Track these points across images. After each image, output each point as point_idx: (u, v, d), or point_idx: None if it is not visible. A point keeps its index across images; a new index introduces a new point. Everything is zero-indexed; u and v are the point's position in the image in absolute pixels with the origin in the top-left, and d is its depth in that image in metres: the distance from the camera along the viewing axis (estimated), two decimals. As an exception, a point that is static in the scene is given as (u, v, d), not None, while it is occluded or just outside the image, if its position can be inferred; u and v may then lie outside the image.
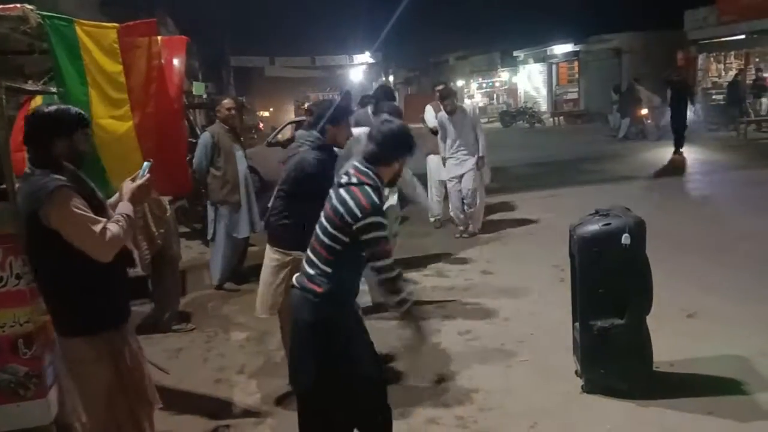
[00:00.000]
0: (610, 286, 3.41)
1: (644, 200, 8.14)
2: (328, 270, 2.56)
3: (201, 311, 5.44)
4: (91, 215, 2.34)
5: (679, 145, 12.98)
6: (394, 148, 2.66)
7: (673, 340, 4.02)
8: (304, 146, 3.60)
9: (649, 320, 3.64)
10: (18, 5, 2.87)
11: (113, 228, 2.36)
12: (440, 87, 7.82)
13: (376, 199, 2.52)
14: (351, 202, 2.49)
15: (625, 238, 3.30)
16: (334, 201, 2.56)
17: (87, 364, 2.47)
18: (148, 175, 2.62)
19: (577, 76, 28.29)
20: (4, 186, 3.05)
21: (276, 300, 3.62)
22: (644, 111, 17.59)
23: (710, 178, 10.46)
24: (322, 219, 2.61)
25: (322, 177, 3.19)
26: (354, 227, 2.48)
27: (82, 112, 2.62)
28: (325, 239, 2.56)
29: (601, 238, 3.39)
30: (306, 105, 9.54)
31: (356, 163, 2.64)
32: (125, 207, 2.51)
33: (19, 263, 2.96)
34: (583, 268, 3.50)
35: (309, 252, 2.65)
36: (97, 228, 2.31)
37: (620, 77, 23.16)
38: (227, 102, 6.10)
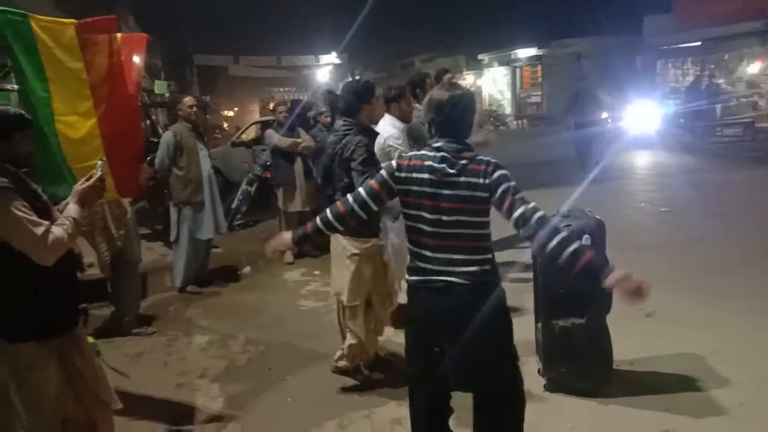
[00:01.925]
0: (571, 286, 3.45)
1: (606, 203, 8.30)
2: (488, 255, 2.42)
3: (162, 314, 5.34)
4: (33, 217, 2.28)
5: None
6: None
7: (632, 340, 4.11)
8: (347, 134, 3.69)
9: (609, 320, 3.71)
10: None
11: (57, 231, 2.30)
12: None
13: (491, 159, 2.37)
14: (477, 166, 2.33)
15: (585, 239, 3.36)
16: (455, 191, 2.33)
17: (35, 369, 2.40)
18: (99, 174, 2.56)
19: (540, 79, 28.73)
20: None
21: (368, 288, 3.73)
22: (604, 115, 17.92)
23: (670, 181, 10.73)
24: (437, 217, 2.35)
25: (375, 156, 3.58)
26: (491, 197, 2.32)
27: (23, 113, 2.54)
28: (465, 231, 2.36)
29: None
30: (271, 105, 9.46)
31: (441, 146, 2.38)
32: (73, 209, 2.45)
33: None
34: (544, 269, 3.55)
35: (437, 254, 2.38)
36: (39, 230, 2.25)
37: (582, 82, 23.62)
38: (188, 100, 6.00)
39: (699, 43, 19.56)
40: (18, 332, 2.40)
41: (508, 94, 31.19)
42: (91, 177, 2.57)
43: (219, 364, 4.30)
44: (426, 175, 2.36)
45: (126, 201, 4.78)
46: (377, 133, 4.02)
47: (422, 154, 2.40)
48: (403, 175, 2.41)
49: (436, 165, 2.35)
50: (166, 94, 17.99)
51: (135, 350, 4.56)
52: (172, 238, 5.88)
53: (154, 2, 24.65)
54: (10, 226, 2.24)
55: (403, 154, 2.47)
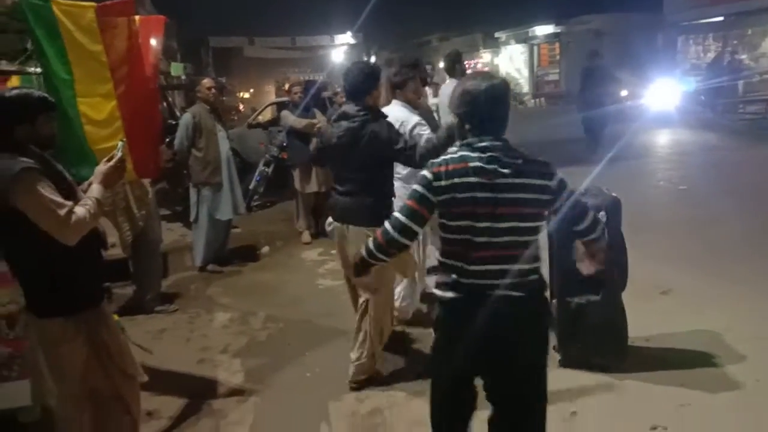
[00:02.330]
0: (586, 263, 3.48)
1: (624, 181, 8.25)
2: (540, 263, 2.26)
3: (184, 293, 5.45)
4: (57, 198, 2.33)
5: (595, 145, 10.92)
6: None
7: (647, 317, 4.13)
8: (356, 122, 3.44)
9: (625, 297, 3.74)
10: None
11: (79, 211, 2.35)
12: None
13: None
14: (533, 167, 2.15)
15: (601, 216, 3.36)
16: (512, 194, 2.11)
17: (63, 343, 2.48)
18: (120, 155, 2.61)
19: (558, 57, 28.37)
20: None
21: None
22: (624, 92, 17.70)
23: (689, 159, 10.61)
24: (489, 225, 2.11)
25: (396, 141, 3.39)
26: (555, 200, 2.18)
27: (47, 95, 2.59)
28: (520, 238, 2.15)
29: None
30: (286, 86, 9.49)
31: (488, 146, 2.13)
32: (95, 190, 2.50)
33: (0, 245, 2.96)
34: (559, 247, 3.57)
35: (488, 266, 2.16)
36: (63, 211, 2.30)
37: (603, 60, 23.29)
38: (207, 81, 6.05)
39: (721, 19, 19.17)
40: (47, 308, 2.48)
41: (525, 73, 30.85)
42: (112, 158, 2.62)
43: (239, 340, 4.41)
44: (473, 179, 2.09)
45: (147, 182, 4.87)
46: (387, 118, 3.69)
47: (462, 156, 2.13)
48: (443, 183, 2.13)
49: (485, 166, 2.09)
50: (183, 76, 18.07)
51: (158, 327, 4.67)
52: (191, 219, 5.98)
53: (170, -17, 24.65)
54: (35, 205, 2.30)
55: (434, 160, 2.20)
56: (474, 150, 2.12)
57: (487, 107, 2.15)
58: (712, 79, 17.34)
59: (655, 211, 7.13)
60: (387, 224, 2.30)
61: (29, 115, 2.44)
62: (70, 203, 2.34)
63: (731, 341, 3.83)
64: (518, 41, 31.03)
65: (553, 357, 3.70)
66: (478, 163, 2.09)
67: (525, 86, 29.96)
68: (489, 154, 2.10)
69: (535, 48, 29.88)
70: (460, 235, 2.16)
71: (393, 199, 3.59)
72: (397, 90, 4.14)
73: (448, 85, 5.31)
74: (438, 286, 2.29)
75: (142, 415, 3.00)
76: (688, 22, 20.57)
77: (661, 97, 16.93)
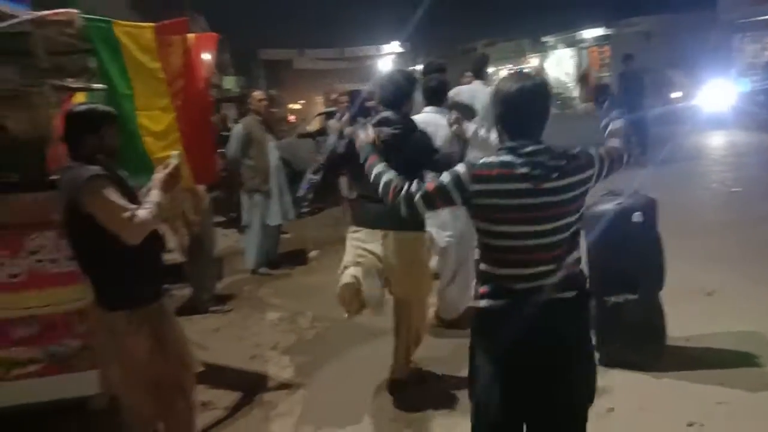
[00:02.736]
0: (623, 263, 3.54)
1: (675, 183, 8.17)
2: (578, 255, 2.18)
3: (237, 294, 5.74)
4: (122, 202, 2.56)
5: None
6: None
7: (690, 317, 4.13)
8: (399, 129, 3.45)
9: (669, 298, 3.78)
10: (64, 10, 3.14)
11: (141, 213, 2.58)
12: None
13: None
14: (575, 164, 2.08)
15: (637, 216, 3.43)
16: (561, 196, 2.04)
17: (129, 335, 2.69)
18: (175, 163, 2.84)
19: (608, 60, 27.89)
20: (57, 176, 3.34)
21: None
22: (677, 94, 17.34)
23: (744, 161, 10.35)
24: (536, 228, 2.05)
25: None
26: (591, 182, 2.14)
27: (109, 109, 2.86)
28: (567, 234, 2.09)
29: (614, 217, 3.52)
30: (333, 96, 9.75)
31: (531, 151, 2.05)
32: (155, 195, 2.72)
33: (71, 245, 3.24)
34: (596, 247, 3.64)
35: (538, 268, 2.08)
36: (127, 213, 2.53)
37: (652, 61, 22.81)
38: (258, 94, 6.38)
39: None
40: (114, 302, 2.72)
41: (574, 77, 30.43)
42: (167, 166, 2.86)
43: (288, 338, 4.63)
44: (521, 186, 2.01)
45: (203, 190, 5.17)
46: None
47: (505, 161, 2.05)
48: (482, 187, 2.05)
49: (532, 172, 2.01)
50: (235, 89, 18.68)
51: (213, 326, 4.94)
52: (243, 224, 6.27)
53: (221, 1, 25.51)
54: (103, 209, 2.53)
55: (476, 162, 2.11)
56: (518, 156, 2.04)
57: (520, 108, 2.09)
58: (769, 77, 16.79)
59: (706, 213, 7.04)
60: (407, 188, 2.20)
61: (96, 127, 2.70)
62: (133, 206, 2.58)
63: (776, 341, 3.80)
64: (567, 45, 30.68)
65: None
66: (524, 170, 2.01)
67: (574, 91, 29.55)
68: (534, 159, 2.02)
69: (584, 51, 29.46)
70: (505, 241, 2.09)
71: None
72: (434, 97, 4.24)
73: (473, 87, 5.35)
74: (481, 296, 2.16)
75: (198, 405, 3.23)
76: (745, 19, 19.95)
77: (716, 98, 16.46)
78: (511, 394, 2.13)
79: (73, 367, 3.41)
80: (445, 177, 2.12)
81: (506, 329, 2.09)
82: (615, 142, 2.31)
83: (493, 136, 3.09)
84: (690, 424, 3.05)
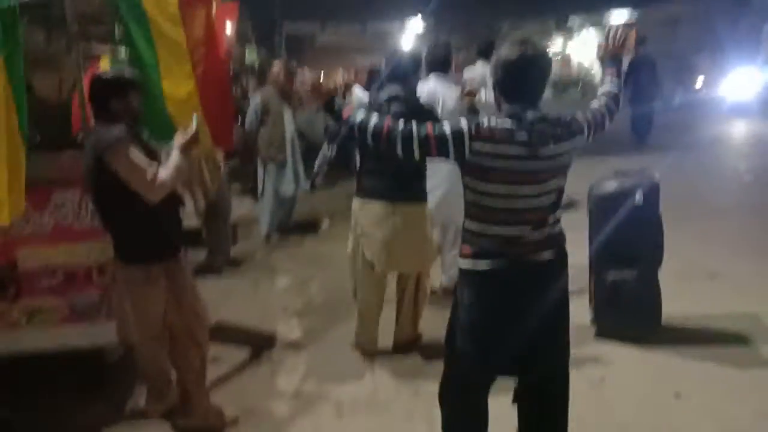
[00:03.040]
0: (624, 241, 3.64)
1: (690, 169, 8.19)
2: (559, 215, 2.28)
3: (250, 259, 5.91)
4: (144, 162, 2.72)
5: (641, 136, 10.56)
6: None
7: (691, 298, 4.23)
8: (410, 104, 3.54)
9: (672, 279, 3.90)
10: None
11: (162, 174, 2.74)
12: None
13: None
14: (568, 130, 2.19)
15: (638, 197, 3.53)
16: (556, 161, 2.15)
17: (147, 286, 2.88)
18: (194, 128, 2.99)
19: (634, 44, 27.49)
20: (81, 137, 3.51)
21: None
22: (700, 81, 17.12)
23: (760, 150, 10.26)
24: (532, 191, 2.16)
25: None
26: (580, 145, 2.25)
27: (134, 75, 3.00)
28: (547, 199, 2.20)
29: (616, 197, 3.62)
30: (353, 72, 9.81)
31: (530, 118, 2.12)
32: (175, 157, 2.88)
33: (93, 203, 3.41)
34: (598, 225, 3.74)
35: (533, 232, 2.18)
36: (149, 173, 2.70)
37: (679, 46, 22.46)
38: (277, 65, 6.49)
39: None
40: (134, 256, 2.90)
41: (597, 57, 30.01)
42: (187, 129, 3.01)
43: (297, 301, 4.81)
44: (518, 150, 2.10)
45: (219, 157, 5.32)
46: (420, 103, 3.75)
47: (506, 127, 2.12)
48: (481, 147, 2.12)
49: (531, 140, 2.09)
50: (256, 61, 18.72)
51: (225, 287, 5.11)
52: (259, 192, 6.44)
53: (247, -30, 25.41)
54: (127, 168, 2.70)
55: (480, 121, 2.15)
56: (519, 121, 2.11)
57: (519, 73, 2.14)
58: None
59: (716, 198, 7.06)
60: (402, 126, 2.19)
61: (122, 90, 2.86)
62: (155, 165, 2.74)
63: (770, 323, 3.89)
64: (592, 26, 30.26)
65: (590, 330, 3.89)
66: (523, 136, 2.09)
67: (598, 75, 29.21)
68: (533, 126, 2.09)
69: (616, 26, 28.99)
70: (494, 201, 2.17)
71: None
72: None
73: (477, 67, 5.47)
74: (469, 256, 2.24)
75: (209, 359, 3.40)
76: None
77: (741, 86, 16.23)
78: (487, 349, 2.26)
79: (92, 318, 3.60)
80: (447, 128, 2.15)
81: (488, 289, 2.23)
82: (598, 101, 2.43)
83: None
84: (677, 396, 3.18)
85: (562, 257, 2.29)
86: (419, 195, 3.67)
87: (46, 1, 3.36)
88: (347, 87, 8.98)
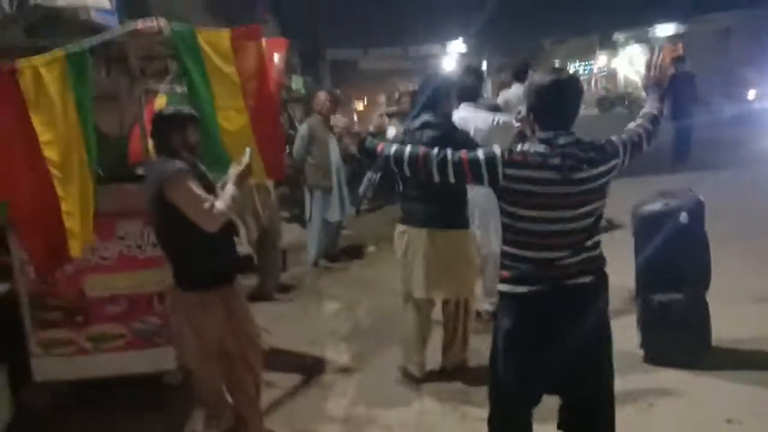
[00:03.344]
0: (670, 262, 3.63)
1: (740, 186, 8.01)
2: (598, 239, 2.34)
3: (299, 284, 6.08)
4: (202, 193, 2.89)
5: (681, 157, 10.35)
6: None
7: (742, 322, 4.16)
8: (441, 131, 3.61)
9: (722, 301, 3.86)
10: (154, 21, 3.51)
11: (219, 205, 2.90)
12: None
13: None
14: (602, 154, 2.27)
15: (683, 217, 3.52)
16: (589, 185, 2.21)
17: (204, 312, 3.01)
18: (247, 160, 3.15)
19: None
20: (142, 170, 3.74)
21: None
22: (752, 94, 16.72)
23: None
24: (566, 214, 2.22)
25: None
26: (616, 170, 2.31)
27: (192, 111, 3.20)
28: (593, 220, 2.28)
29: (660, 218, 3.62)
30: (395, 96, 10.00)
31: (562, 143, 2.21)
32: (230, 188, 3.04)
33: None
34: (643, 246, 3.74)
35: (569, 256, 2.24)
36: (207, 203, 2.86)
37: (729, 60, 21.98)
38: (323, 95, 6.72)
39: None
40: (192, 283, 3.05)
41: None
42: (240, 162, 3.18)
43: (345, 325, 4.93)
44: (550, 174, 2.17)
45: (270, 186, 5.53)
46: (456, 128, 3.82)
47: (540, 151, 2.20)
48: (514, 172, 2.20)
49: (564, 163, 2.17)
50: (302, 90, 19.18)
51: (276, 313, 5.27)
52: (306, 219, 6.63)
53: (289, 1, 26.19)
54: (185, 199, 2.86)
55: (514, 149, 2.25)
56: (551, 146, 2.18)
57: (552, 99, 2.23)
58: None
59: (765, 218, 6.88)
60: (436, 153, 2.31)
61: (182, 126, 3.05)
62: (212, 197, 2.91)
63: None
64: (638, 42, 29.88)
65: (638, 353, 3.87)
66: (556, 161, 2.16)
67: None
68: (565, 150, 2.17)
69: (657, 49, 28.59)
70: (529, 225, 2.22)
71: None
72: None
73: (512, 89, 5.53)
74: (506, 280, 2.30)
75: (263, 383, 3.53)
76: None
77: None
78: (525, 373, 2.31)
79: (153, 343, 3.80)
80: (481, 154, 2.27)
81: (527, 313, 2.28)
82: (635, 123, 2.48)
83: None
84: (729, 421, 3.14)
85: (601, 280, 2.31)
86: (459, 221, 3.75)
87: (108, 43, 3.60)
88: (390, 115, 9.20)
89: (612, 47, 31.88)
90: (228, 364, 3.16)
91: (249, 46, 4.12)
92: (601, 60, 33.49)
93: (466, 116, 4.24)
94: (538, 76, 2.29)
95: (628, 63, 31.24)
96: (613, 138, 2.33)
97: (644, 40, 29.16)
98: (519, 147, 2.24)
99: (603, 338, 2.35)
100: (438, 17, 31.57)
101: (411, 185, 3.72)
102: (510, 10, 30.29)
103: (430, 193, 3.58)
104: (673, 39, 27.13)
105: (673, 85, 10.23)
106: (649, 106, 2.55)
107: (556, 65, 33.74)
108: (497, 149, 2.25)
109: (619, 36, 30.63)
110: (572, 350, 2.23)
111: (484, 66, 38.61)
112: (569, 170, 2.16)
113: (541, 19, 33.96)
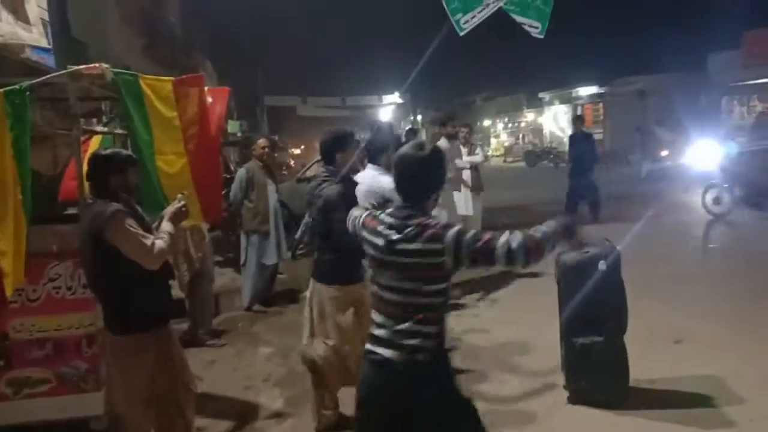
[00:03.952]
0: (590, 307, 3.86)
1: (657, 237, 8.56)
2: (437, 327, 2.26)
3: (232, 329, 6.01)
4: (142, 232, 2.91)
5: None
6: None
7: (657, 362, 4.44)
8: (324, 182, 3.72)
9: (639, 344, 4.10)
10: (97, 65, 3.54)
11: (159, 243, 2.92)
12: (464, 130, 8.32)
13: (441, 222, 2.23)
14: (432, 245, 2.17)
15: (601, 265, 3.78)
16: (403, 258, 2.22)
17: (137, 355, 2.97)
18: (183, 202, 3.19)
19: (602, 117, 28.76)
20: (76, 211, 3.69)
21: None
22: (665, 152, 17.95)
23: (726, 217, 10.74)
24: (387, 283, 2.28)
25: (345, 208, 2.99)
26: (442, 257, 2.16)
27: (131, 153, 3.23)
28: (410, 299, 2.23)
29: (581, 265, 3.87)
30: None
31: (392, 212, 2.32)
32: (167, 226, 3.07)
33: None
34: (566, 292, 3.97)
35: (383, 322, 2.29)
36: (147, 242, 2.87)
37: (645, 119, 23.58)
38: (262, 141, 6.83)
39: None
40: (125, 325, 3.00)
41: (569, 132, 31.22)
42: (176, 202, 3.22)
43: (280, 371, 4.90)
44: (379, 240, 2.28)
45: (204, 228, 5.51)
46: (355, 183, 3.81)
47: (380, 218, 2.34)
48: (363, 234, 2.39)
49: (384, 231, 2.27)
50: (238, 133, 19.20)
51: (208, 358, 5.20)
52: (241, 263, 6.60)
53: (227, 47, 26.40)
54: (126, 239, 2.86)
55: (374, 213, 2.42)
56: (388, 215, 2.30)
57: (404, 175, 2.30)
58: (756, 140, 17.42)
59: (682, 264, 7.38)
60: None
61: (121, 168, 3.06)
62: (152, 236, 2.92)
63: (734, 384, 4.09)
64: (562, 101, 31.66)
65: (563, 394, 4.05)
66: (382, 227, 2.28)
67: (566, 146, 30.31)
68: (390, 219, 2.27)
69: (579, 108, 30.39)
70: (373, 286, 2.36)
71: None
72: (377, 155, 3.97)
73: (441, 143, 5.77)
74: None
75: (195, 429, 3.48)
76: (734, 82, 20.73)
77: (703, 158, 17.05)
78: None
79: (80, 389, 3.68)
80: (357, 212, 2.54)
81: (366, 389, 2.33)
82: (505, 236, 2.15)
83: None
84: (645, 458, 3.33)
85: (408, 360, 2.21)
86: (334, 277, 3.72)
87: (48, 82, 3.60)
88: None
89: (538, 105, 33.60)
90: (159, 408, 3.10)
91: (191, 93, 4.20)
92: (528, 116, 35.16)
93: (366, 178, 4.00)
94: (403, 150, 2.35)
95: (553, 120, 32.94)
96: (454, 230, 2.16)
97: (568, 99, 30.92)
98: (376, 213, 2.41)
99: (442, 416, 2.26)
100: (374, 72, 32.51)
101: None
102: (444, 68, 31.56)
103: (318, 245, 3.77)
104: (594, 99, 28.96)
105: (573, 143, 10.88)
106: (538, 232, 2.18)
107: (485, 122, 35.11)
108: (361, 211, 2.53)
109: (545, 95, 32.35)
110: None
111: (419, 118, 39.87)
112: (384, 237, 2.25)
113: (474, 76, 35.58)
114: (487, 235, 2.14)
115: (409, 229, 2.20)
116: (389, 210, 2.35)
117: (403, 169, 2.30)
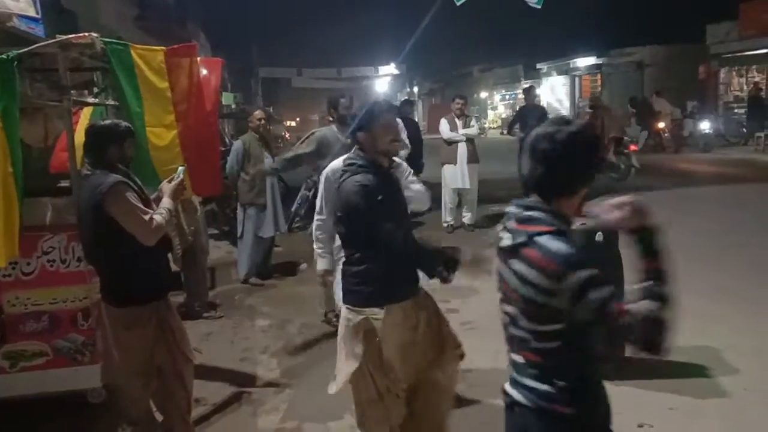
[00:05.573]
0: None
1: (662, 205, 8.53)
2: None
3: (228, 302, 6.01)
4: (141, 206, 2.88)
5: None
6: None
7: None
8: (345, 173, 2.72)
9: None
10: (87, 34, 3.46)
11: (157, 218, 2.89)
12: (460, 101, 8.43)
13: (569, 248, 1.63)
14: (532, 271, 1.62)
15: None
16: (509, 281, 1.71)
17: (137, 327, 2.96)
18: (182, 177, 3.16)
19: (599, 88, 28.54)
20: (68, 183, 3.65)
21: None
22: (662, 124, 17.87)
23: (722, 190, 10.75)
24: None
25: (367, 208, 2.53)
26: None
27: (129, 125, 3.18)
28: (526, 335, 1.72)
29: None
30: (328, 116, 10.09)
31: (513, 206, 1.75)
32: (166, 202, 3.04)
33: (80, 248, 3.52)
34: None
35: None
36: (146, 216, 2.84)
37: (642, 90, 23.41)
38: (258, 113, 6.74)
39: (765, 51, 19.10)
40: (126, 298, 2.97)
41: (566, 103, 31.08)
42: (172, 179, 3.18)
43: (277, 343, 4.92)
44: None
45: (196, 201, 5.47)
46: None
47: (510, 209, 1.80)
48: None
49: (500, 230, 1.82)
50: (233, 105, 19.03)
51: (205, 331, 5.21)
52: (238, 235, 6.58)
53: (222, 18, 26.04)
54: (125, 212, 2.83)
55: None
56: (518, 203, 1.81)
57: (543, 161, 1.73)
58: (754, 111, 17.43)
59: (677, 240, 7.38)
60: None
61: (120, 139, 3.02)
62: (151, 211, 2.89)
63: (730, 356, 4.13)
64: (560, 72, 31.35)
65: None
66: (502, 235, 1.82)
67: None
68: (515, 210, 1.78)
69: (577, 79, 30.15)
70: None
71: None
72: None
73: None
74: None
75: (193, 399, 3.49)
76: (731, 53, 20.58)
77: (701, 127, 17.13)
78: None
79: (76, 361, 3.68)
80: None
81: None
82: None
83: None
84: (640, 425, 3.37)
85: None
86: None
87: (37, 52, 3.52)
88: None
89: (536, 76, 33.27)
90: (160, 380, 3.11)
91: (183, 63, 4.14)
92: (525, 87, 34.91)
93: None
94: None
95: (550, 91, 32.67)
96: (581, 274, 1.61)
97: (566, 70, 30.62)
98: None
99: None
100: (370, 43, 32.15)
101: None
102: (440, 39, 31.23)
103: None
104: (591, 70, 28.70)
105: (524, 115, 10.21)
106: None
107: (482, 94, 34.76)
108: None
109: (542, 66, 32.02)
110: None
111: (416, 89, 39.57)
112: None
113: (470, 47, 35.19)
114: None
115: (519, 237, 1.65)
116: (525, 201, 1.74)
117: (543, 154, 1.70)
